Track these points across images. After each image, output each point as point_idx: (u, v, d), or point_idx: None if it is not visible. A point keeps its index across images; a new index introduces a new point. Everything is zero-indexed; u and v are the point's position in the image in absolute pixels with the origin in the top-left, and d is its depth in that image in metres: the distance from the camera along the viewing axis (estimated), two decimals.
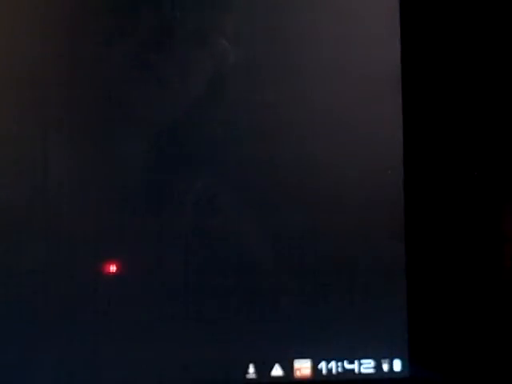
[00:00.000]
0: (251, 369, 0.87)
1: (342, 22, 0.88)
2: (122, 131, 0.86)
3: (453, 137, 0.89)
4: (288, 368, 0.87)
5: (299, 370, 0.88)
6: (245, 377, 0.87)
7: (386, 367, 0.89)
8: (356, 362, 0.88)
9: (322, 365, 0.88)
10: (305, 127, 0.88)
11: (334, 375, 0.88)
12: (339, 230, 0.88)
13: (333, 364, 0.88)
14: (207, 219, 0.87)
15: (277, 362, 0.87)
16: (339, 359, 0.88)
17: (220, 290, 0.86)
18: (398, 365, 0.89)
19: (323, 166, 0.88)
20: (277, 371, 0.87)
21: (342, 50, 0.88)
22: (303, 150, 0.87)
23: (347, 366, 0.88)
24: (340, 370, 0.88)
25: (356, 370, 0.88)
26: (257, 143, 0.87)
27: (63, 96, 0.85)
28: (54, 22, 0.85)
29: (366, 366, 0.88)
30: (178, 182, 0.86)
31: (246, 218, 0.87)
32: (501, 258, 0.89)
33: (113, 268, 0.85)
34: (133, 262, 0.86)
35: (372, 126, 0.88)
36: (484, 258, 0.89)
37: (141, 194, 0.86)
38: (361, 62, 0.88)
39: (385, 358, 0.89)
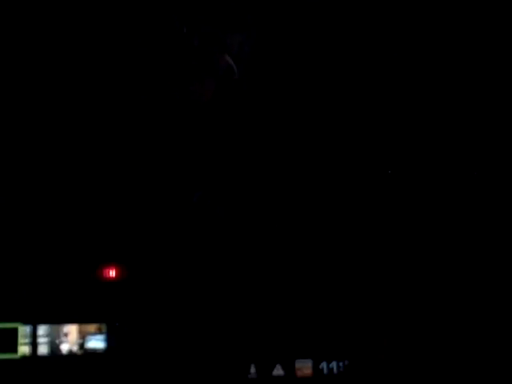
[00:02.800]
0: (252, 369, 0.88)
1: None
2: None
3: None
4: (289, 368, 0.89)
5: (300, 369, 0.89)
6: (246, 376, 0.88)
7: None
8: None
9: (323, 365, 0.89)
10: None
11: (335, 375, 0.89)
12: None
13: (334, 364, 0.89)
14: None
15: (278, 361, 0.89)
16: (340, 359, 0.89)
17: (221, 291, 0.89)
18: None
19: None
20: (278, 371, 0.89)
21: None
22: None
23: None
24: (341, 369, 0.89)
25: None
26: None
27: None
28: None
29: None
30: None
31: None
32: None
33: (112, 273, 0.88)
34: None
35: None
36: None
37: None
38: None
39: None
